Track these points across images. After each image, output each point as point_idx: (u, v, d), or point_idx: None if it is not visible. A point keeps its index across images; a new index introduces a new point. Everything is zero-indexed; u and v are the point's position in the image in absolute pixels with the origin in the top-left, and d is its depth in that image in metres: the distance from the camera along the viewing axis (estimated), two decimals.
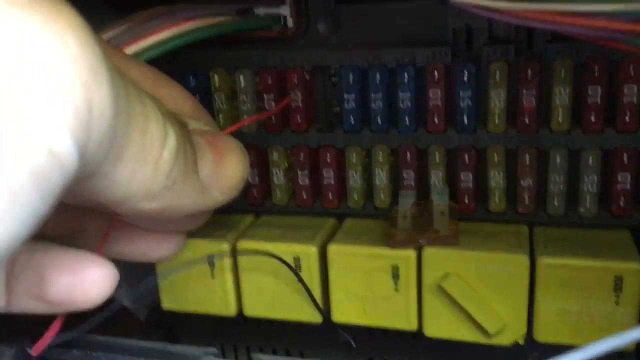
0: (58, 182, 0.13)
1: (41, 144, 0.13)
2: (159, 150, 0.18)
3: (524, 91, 0.27)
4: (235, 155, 0.23)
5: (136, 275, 0.36)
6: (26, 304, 0.23)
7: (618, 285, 0.26)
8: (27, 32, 0.13)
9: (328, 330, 0.30)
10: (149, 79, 0.23)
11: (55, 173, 0.13)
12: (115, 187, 0.17)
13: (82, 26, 0.14)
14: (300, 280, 0.29)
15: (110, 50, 0.22)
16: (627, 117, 0.26)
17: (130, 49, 0.25)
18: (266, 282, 0.31)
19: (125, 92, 0.16)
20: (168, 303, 0.33)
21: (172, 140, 0.18)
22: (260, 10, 0.29)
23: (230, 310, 0.32)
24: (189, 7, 0.27)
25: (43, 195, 0.13)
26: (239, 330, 0.37)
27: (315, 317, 0.30)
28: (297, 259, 0.30)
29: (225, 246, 0.30)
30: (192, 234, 0.31)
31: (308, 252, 0.29)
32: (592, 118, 0.26)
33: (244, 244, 0.30)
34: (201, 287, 0.32)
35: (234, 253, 0.31)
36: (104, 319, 0.28)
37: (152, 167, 0.18)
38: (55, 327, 0.23)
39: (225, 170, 0.22)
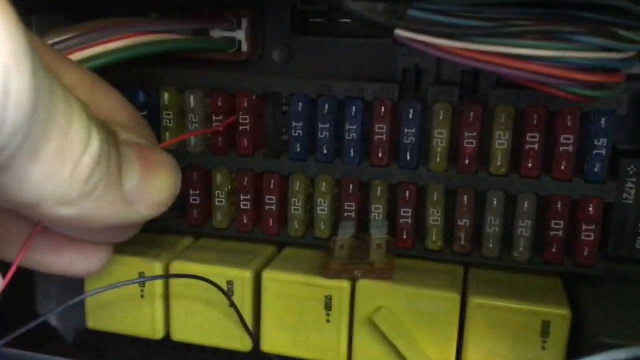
0: None
1: None
2: (79, 154, 0.17)
3: (466, 133, 0.27)
4: (164, 171, 0.23)
5: (69, 294, 0.35)
6: None
7: (545, 329, 0.26)
8: None
9: (257, 359, 0.30)
10: (85, 83, 0.23)
11: None
12: (28, 187, 0.16)
13: (11, 14, 0.14)
14: (232, 304, 0.28)
15: (45, 49, 0.22)
16: (562, 166, 0.27)
17: (76, 56, 0.25)
18: (197, 306, 0.30)
19: (49, 88, 0.16)
20: (93, 322, 0.32)
21: (94, 146, 0.18)
22: (216, 33, 0.30)
23: (157, 333, 0.31)
24: (142, 21, 0.27)
25: None
26: (168, 354, 0.36)
27: (244, 345, 0.30)
28: (230, 283, 0.29)
29: (157, 265, 0.30)
30: (124, 251, 0.30)
31: (242, 277, 0.29)
32: (529, 164, 0.27)
33: (177, 265, 0.30)
34: (129, 307, 0.31)
35: (166, 274, 0.30)
36: (26, 331, 0.27)
37: (70, 170, 0.17)
38: None
39: (152, 185, 0.22)
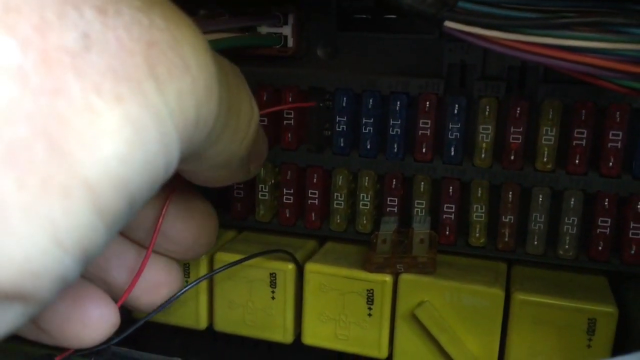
0: (160, 175, 0.14)
1: (157, 140, 0.13)
2: (247, 128, 0.19)
3: (512, 128, 0.27)
4: (263, 132, 0.24)
5: None
6: (28, 328, 0.22)
7: (591, 327, 0.26)
8: (161, 47, 0.14)
9: (297, 352, 0.30)
10: None
11: (162, 167, 0.14)
12: (203, 163, 0.18)
13: (204, 46, 0.15)
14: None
15: None
16: (610, 162, 0.26)
17: None
18: (239, 298, 0.30)
19: (227, 88, 0.17)
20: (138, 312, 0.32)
21: (256, 115, 0.19)
22: (263, 29, 0.30)
23: (201, 324, 0.31)
24: (195, 23, 0.28)
25: (149, 183, 0.14)
26: (209, 344, 0.36)
27: (285, 337, 0.30)
28: (273, 275, 0.29)
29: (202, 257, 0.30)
30: None
31: (284, 269, 0.29)
32: (576, 160, 0.27)
33: (221, 257, 0.30)
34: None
35: (211, 264, 0.30)
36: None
37: (239, 142, 0.19)
38: None
39: (259, 146, 0.24)
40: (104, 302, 0.23)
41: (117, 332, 0.24)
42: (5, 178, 0.11)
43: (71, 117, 0.12)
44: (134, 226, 0.24)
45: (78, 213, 0.12)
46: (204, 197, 0.26)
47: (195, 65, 0.14)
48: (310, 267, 0.29)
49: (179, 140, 0.14)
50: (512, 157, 0.27)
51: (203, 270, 0.31)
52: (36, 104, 0.11)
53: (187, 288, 0.26)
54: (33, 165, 0.11)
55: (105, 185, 0.12)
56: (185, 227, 0.24)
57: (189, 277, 0.31)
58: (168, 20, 0.14)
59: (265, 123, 0.30)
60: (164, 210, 0.23)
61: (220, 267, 0.28)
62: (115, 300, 0.24)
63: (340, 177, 0.30)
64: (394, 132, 0.29)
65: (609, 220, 0.27)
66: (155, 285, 0.25)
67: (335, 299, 0.29)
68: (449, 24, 0.22)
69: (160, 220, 0.23)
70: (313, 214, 0.31)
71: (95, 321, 0.22)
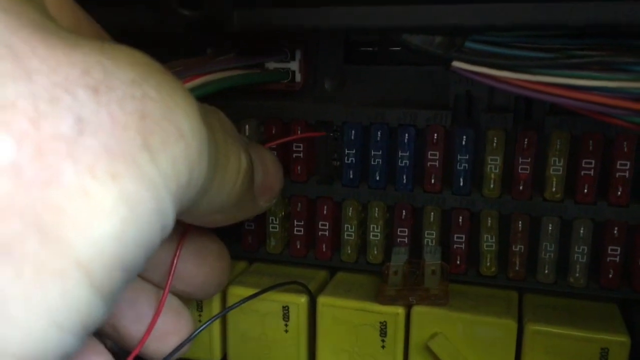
0: (157, 240, 0.14)
1: (153, 210, 0.13)
2: (236, 178, 0.19)
3: (520, 159, 0.28)
4: (275, 165, 0.25)
5: None
6: None
7: (604, 356, 0.26)
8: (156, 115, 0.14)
9: None
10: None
11: (158, 232, 0.14)
12: (194, 212, 0.18)
13: (196, 110, 0.15)
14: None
15: None
16: (619, 192, 0.27)
17: None
18: (252, 331, 0.31)
19: (215, 146, 0.17)
20: None
21: (244, 165, 0.20)
22: (271, 65, 0.31)
23: (215, 356, 0.32)
24: (204, 62, 0.28)
25: (146, 250, 0.14)
26: None
27: None
28: (285, 308, 0.30)
29: None
30: None
31: (297, 302, 0.29)
32: (585, 190, 0.27)
33: (234, 290, 0.30)
34: None
35: (224, 297, 0.31)
36: None
37: (229, 191, 0.19)
38: None
39: (269, 180, 0.24)
40: (99, 353, 0.23)
41: None
42: (2, 270, 0.11)
43: (65, 204, 0.12)
44: (147, 269, 0.24)
45: (74, 294, 0.12)
46: (216, 237, 0.26)
47: (189, 130, 0.14)
48: (323, 300, 0.29)
49: (173, 203, 0.14)
50: (521, 187, 0.28)
51: (216, 302, 0.31)
52: (29, 196, 0.11)
53: (201, 329, 0.26)
54: (27, 256, 0.11)
55: (100, 264, 0.12)
56: (197, 269, 0.25)
57: (202, 310, 0.31)
58: (161, 90, 0.14)
59: (275, 156, 0.31)
60: (177, 253, 0.24)
61: (235, 303, 0.28)
62: (124, 346, 0.24)
63: (350, 209, 0.30)
64: (403, 164, 0.29)
65: (619, 248, 0.27)
66: (163, 334, 0.25)
67: (348, 331, 0.29)
68: (456, 63, 0.22)
69: (174, 267, 0.23)
70: (324, 245, 0.31)
71: None
